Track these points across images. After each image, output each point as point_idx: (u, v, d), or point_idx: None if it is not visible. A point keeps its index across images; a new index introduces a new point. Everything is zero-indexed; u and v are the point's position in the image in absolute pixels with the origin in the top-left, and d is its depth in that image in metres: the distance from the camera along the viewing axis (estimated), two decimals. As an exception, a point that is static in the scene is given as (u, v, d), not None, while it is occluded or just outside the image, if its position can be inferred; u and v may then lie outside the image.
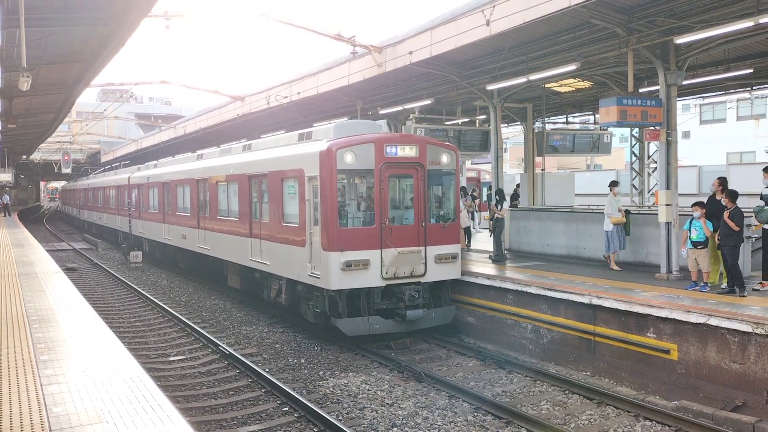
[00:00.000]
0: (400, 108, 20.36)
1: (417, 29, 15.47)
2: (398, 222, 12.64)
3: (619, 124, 12.63)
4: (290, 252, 13.31)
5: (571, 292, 11.40)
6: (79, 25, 12.06)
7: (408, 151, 12.57)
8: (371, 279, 12.04)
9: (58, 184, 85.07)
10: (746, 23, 11.01)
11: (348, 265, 11.75)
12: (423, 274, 12.51)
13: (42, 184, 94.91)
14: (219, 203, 17.89)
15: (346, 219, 12.25)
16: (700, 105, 43.41)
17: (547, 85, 18.98)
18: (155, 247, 25.76)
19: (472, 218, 21.37)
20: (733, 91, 23.06)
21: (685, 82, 14.61)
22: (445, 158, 13.04)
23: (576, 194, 24.78)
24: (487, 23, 12.33)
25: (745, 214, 11.01)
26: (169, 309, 16.15)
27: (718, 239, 10.93)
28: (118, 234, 32.59)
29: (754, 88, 22.02)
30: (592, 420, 8.87)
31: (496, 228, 15.53)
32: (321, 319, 12.63)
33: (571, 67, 14.50)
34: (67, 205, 61.33)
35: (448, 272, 12.95)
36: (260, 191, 15.07)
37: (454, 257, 12.95)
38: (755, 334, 8.69)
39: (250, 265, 15.52)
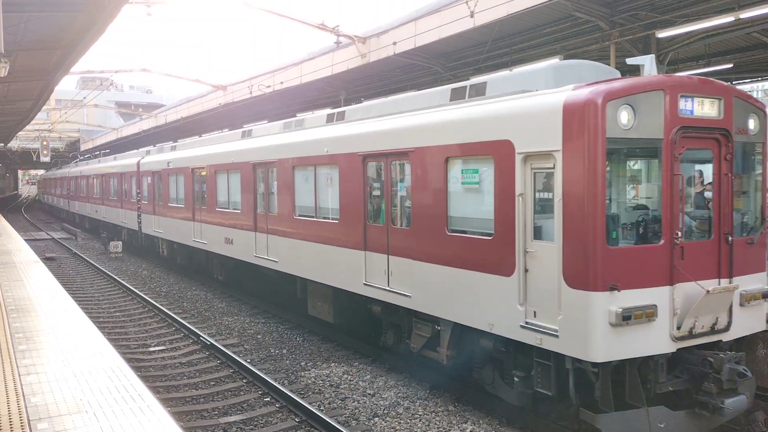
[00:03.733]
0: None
1: (401, 20, 15.46)
2: (688, 236, 7.45)
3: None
4: (471, 282, 8.13)
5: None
6: (59, 10, 11.87)
7: (707, 109, 7.38)
8: (655, 340, 6.98)
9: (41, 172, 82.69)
10: (727, 18, 11.16)
11: (625, 318, 6.68)
12: (726, 328, 7.45)
13: (20, 172, 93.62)
14: (298, 197, 12.63)
15: (617, 231, 7.22)
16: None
17: (530, 78, 19.03)
18: (177, 250, 20.56)
19: None
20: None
21: (666, 76, 14.72)
22: (751, 123, 7.87)
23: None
24: (471, 15, 12.35)
25: None
26: (149, 299, 16.03)
27: None
28: (122, 231, 27.02)
29: (733, 83, 22.26)
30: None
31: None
32: (531, 401, 8.05)
33: (554, 60, 14.56)
34: (51, 195, 54.02)
35: (756, 320, 7.92)
36: (387, 179, 9.84)
37: (765, 295, 7.91)
38: None
39: (363, 293, 10.42)
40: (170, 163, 20.06)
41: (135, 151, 29.47)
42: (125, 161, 26.66)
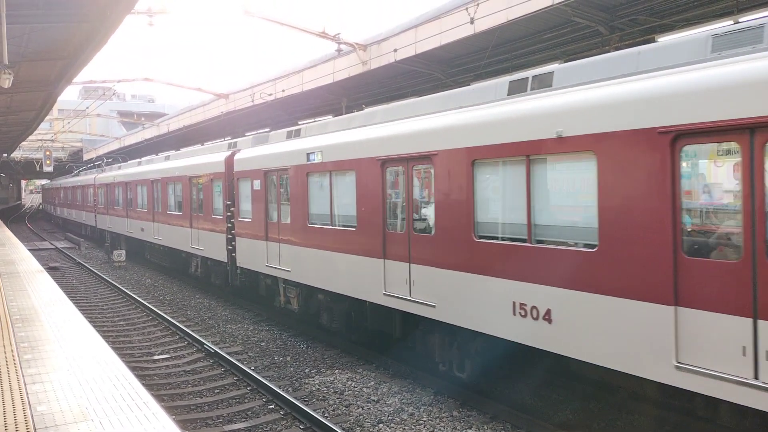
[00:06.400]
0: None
1: (401, 27, 15.53)
2: None
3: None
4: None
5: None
6: (62, 21, 11.95)
7: None
8: None
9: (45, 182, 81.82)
10: (726, 22, 11.16)
11: None
12: None
13: (23, 183, 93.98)
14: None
15: None
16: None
17: (531, 83, 19.06)
18: (326, 305, 12.14)
19: None
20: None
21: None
22: None
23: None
24: (471, 21, 12.41)
25: None
26: (153, 308, 16.06)
27: None
28: (192, 262, 19.39)
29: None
30: (577, 413, 8.95)
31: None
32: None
33: (555, 65, 14.60)
34: (65, 207, 45.52)
35: None
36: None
37: None
38: None
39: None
40: (315, 155, 11.83)
41: (210, 144, 22.08)
42: (203, 159, 18.02)
